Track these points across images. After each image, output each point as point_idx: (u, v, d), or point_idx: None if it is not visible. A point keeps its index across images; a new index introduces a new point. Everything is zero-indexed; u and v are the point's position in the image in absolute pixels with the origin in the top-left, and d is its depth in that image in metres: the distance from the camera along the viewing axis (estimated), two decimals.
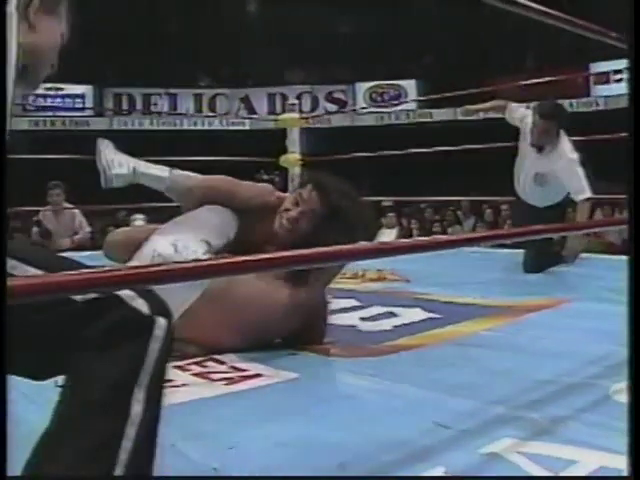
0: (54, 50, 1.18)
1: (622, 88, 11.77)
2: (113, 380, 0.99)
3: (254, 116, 14.16)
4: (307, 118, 7.58)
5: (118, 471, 0.96)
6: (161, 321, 1.02)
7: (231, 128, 13.87)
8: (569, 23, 1.86)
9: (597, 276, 3.92)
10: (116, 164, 2.87)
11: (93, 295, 0.99)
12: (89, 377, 0.98)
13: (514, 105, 4.57)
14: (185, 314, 2.32)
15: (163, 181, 2.83)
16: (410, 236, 8.88)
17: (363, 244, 1.53)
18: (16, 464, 0.92)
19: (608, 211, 9.30)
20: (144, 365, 1.00)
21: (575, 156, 4.17)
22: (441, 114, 13.10)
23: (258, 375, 2.06)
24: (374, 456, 1.41)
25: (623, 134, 4.18)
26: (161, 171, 2.84)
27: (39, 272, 0.98)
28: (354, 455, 1.41)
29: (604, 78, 11.41)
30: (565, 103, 12.16)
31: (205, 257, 2.44)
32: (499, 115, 4.60)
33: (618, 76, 11.13)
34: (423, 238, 4.67)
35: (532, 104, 4.47)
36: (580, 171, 4.11)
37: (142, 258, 2.46)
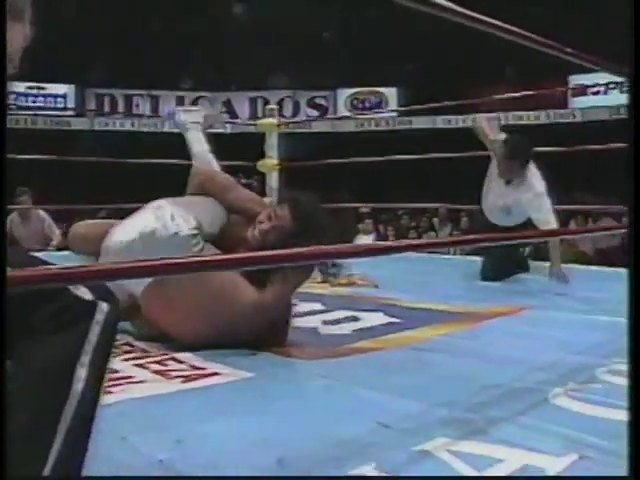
0: (17, 53, 1.25)
1: (598, 100, 11.96)
2: (55, 360, 1.06)
3: (236, 120, 14.20)
4: (285, 124, 7.63)
5: (55, 447, 1.03)
6: (103, 305, 1.09)
7: (212, 131, 13.90)
8: (526, 39, 1.94)
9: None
10: (188, 111, 3.25)
11: None
12: (33, 360, 1.05)
13: (481, 115, 4.65)
14: (160, 299, 2.42)
15: (191, 152, 3.14)
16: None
17: (333, 246, 1.71)
18: None
19: (582, 221, 9.43)
20: (85, 346, 1.07)
21: (542, 189, 4.24)
22: (420, 122, 13.21)
23: (215, 374, 2.13)
24: (312, 452, 1.49)
25: (599, 146, 4.29)
26: (197, 145, 3.14)
27: None
28: (293, 451, 1.48)
29: (581, 90, 11.57)
30: (542, 114, 12.38)
31: (191, 232, 2.56)
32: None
33: (595, 89, 11.30)
34: (392, 242, 4.77)
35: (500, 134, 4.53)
36: (546, 204, 4.18)
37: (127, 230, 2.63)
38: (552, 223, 4.12)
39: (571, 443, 1.55)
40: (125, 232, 2.66)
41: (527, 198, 4.22)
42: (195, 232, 2.63)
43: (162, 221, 2.62)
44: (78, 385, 1.06)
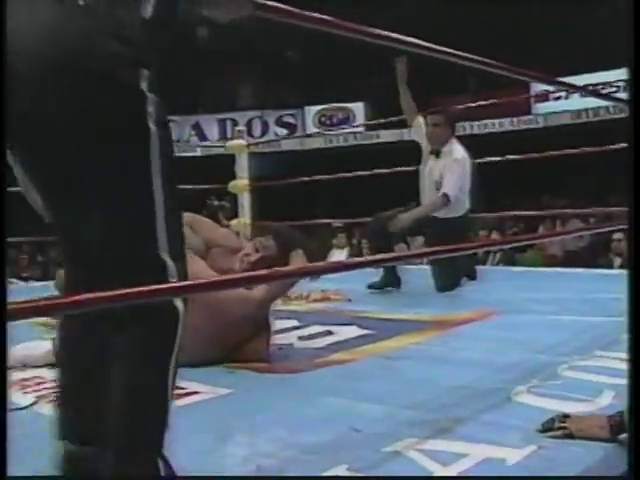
0: None
1: (561, 105, 12.20)
2: None
3: (205, 143, 14.28)
4: (255, 144, 7.74)
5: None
6: None
7: (183, 155, 13.96)
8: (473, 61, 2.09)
9: (528, 288, 4.15)
10: None
11: None
12: None
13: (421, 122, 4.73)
14: None
15: None
16: (360, 255, 9.05)
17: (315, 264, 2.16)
18: None
19: (550, 225, 9.59)
20: None
21: (460, 156, 4.42)
22: (387, 135, 13.35)
23: (195, 392, 2.22)
24: (287, 459, 1.58)
25: (565, 151, 4.44)
26: None
27: None
28: (269, 459, 1.58)
29: (544, 96, 11.79)
30: (507, 121, 12.61)
31: None
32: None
33: (557, 94, 11.53)
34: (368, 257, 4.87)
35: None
36: (456, 170, 4.35)
37: None
38: (447, 189, 4.29)
39: (530, 435, 1.66)
40: None
41: (443, 164, 4.40)
42: None
43: None
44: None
